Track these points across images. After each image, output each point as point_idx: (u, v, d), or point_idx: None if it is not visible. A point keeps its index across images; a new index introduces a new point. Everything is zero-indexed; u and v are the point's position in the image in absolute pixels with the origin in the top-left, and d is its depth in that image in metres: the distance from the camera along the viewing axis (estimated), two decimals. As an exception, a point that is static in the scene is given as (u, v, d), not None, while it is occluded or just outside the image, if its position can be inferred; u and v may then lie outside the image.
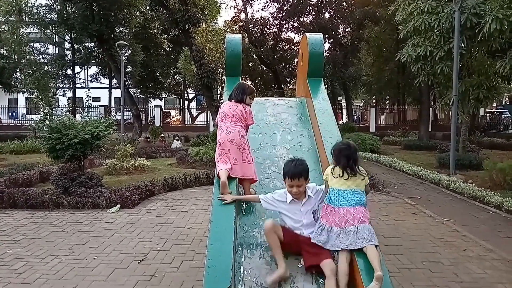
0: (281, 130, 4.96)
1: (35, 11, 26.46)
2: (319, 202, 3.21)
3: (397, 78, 26.83)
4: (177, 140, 19.06)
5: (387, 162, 12.97)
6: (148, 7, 25.04)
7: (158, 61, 30.55)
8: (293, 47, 30.60)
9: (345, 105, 32.54)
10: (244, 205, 3.82)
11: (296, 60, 26.88)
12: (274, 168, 4.34)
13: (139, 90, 33.30)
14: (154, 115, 31.95)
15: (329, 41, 28.37)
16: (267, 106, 5.44)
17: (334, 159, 3.20)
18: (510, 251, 5.25)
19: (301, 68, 6.18)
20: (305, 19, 28.94)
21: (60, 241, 5.73)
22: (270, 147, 4.65)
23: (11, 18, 23.85)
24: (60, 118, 8.64)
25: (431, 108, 22.90)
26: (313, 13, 28.17)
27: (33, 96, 23.88)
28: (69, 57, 31.12)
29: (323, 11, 28.09)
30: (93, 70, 33.38)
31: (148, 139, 19.54)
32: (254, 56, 30.10)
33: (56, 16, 25.33)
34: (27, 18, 26.11)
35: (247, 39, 28.29)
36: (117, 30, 24.45)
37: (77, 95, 31.16)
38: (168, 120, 34.80)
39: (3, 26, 24.56)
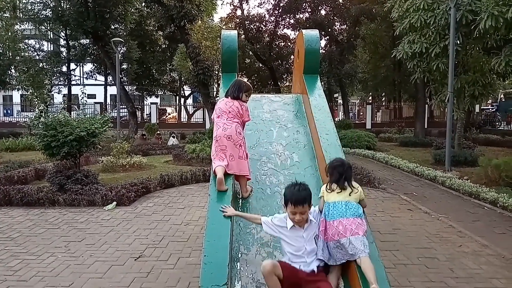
0: (277, 126, 4.96)
1: (29, 7, 26.28)
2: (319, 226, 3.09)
3: (393, 75, 26.86)
4: (173, 137, 19.02)
5: (383, 158, 13.00)
6: (143, 4, 24.90)
7: (154, 58, 30.45)
8: (289, 44, 30.55)
9: (341, 102, 32.55)
10: (240, 202, 3.82)
11: (292, 57, 26.85)
12: (271, 165, 4.35)
13: (134, 87, 33.18)
14: (150, 112, 31.83)
15: (325, 38, 28.34)
16: (263, 103, 5.44)
17: (328, 174, 3.25)
18: (505, 247, 5.29)
19: (297, 64, 6.18)
20: (301, 16, 28.90)
21: (56, 239, 5.71)
22: (266, 144, 4.65)
23: (5, 15, 23.65)
24: (55, 115, 8.60)
25: (426, 105, 22.99)
26: (309, 10, 28.13)
27: (28, 93, 23.72)
28: (64, 54, 30.94)
29: (319, 8, 28.05)
30: (88, 67, 33.21)
31: (144, 136, 19.48)
32: (250, 53, 30.01)
33: (50, 12, 25.16)
34: (21, 15, 25.93)
35: (243, 36, 28.21)
36: (113, 27, 24.33)
37: (72, 92, 31.01)
38: (164, 117, 34.68)
39: (-3, 23, 24.37)
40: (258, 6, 42.51)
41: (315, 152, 4.47)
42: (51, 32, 30.58)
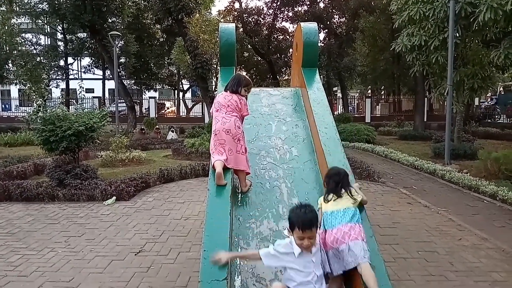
0: (276, 120, 4.95)
1: (26, 1, 26.07)
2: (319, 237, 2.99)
3: (392, 68, 26.79)
4: (172, 131, 18.98)
5: (383, 152, 13.00)
6: (141, -3, 24.75)
7: (151, 51, 30.31)
8: (288, 37, 30.44)
9: (341, 96, 32.51)
10: (239, 196, 3.82)
11: (291, 50, 26.74)
12: (269, 159, 4.34)
13: (133, 81, 33.06)
14: (149, 106, 31.77)
15: (324, 31, 28.24)
16: (262, 97, 5.42)
17: (325, 184, 3.25)
18: (505, 240, 5.30)
19: (295, 58, 6.15)
20: (299, 8, 28.77)
21: (56, 234, 5.71)
22: (265, 138, 4.64)
23: (1, 9, 23.46)
24: (53, 109, 8.56)
25: (426, 98, 22.94)
26: (308, 2, 28.00)
27: (26, 87, 23.60)
28: (61, 48, 30.78)
29: (318, 0, 27.93)
30: (86, 61, 33.06)
31: (143, 131, 19.44)
32: (249, 46, 29.92)
33: (47, 6, 24.95)
34: (18, 8, 25.71)
35: (241, 29, 28.09)
36: (110, 20, 24.15)
37: (71, 87, 30.90)
38: (163, 111, 34.62)
39: (-7, 17, 24.18)
40: (256, -1, 42.22)
41: (314, 146, 4.46)
42: (48, 26, 30.38)
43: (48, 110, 8.59)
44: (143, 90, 35.78)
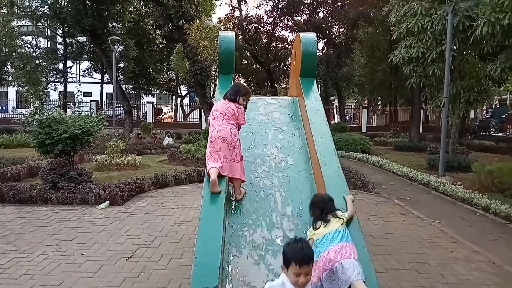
0: (272, 129, 4.95)
1: (27, 4, 26.11)
2: None
3: (390, 79, 26.95)
4: (169, 136, 18.98)
5: (378, 162, 13.04)
6: (141, 2, 24.84)
7: (151, 57, 30.36)
8: (287, 46, 30.58)
9: (338, 105, 32.62)
10: (233, 204, 3.81)
11: (289, 59, 26.87)
12: (265, 167, 4.34)
13: (131, 86, 33.06)
14: (146, 111, 31.74)
15: (323, 41, 28.40)
16: (259, 105, 5.44)
17: (311, 212, 3.24)
18: (497, 253, 5.31)
19: (294, 67, 6.19)
20: (299, 18, 28.93)
21: (48, 237, 5.68)
22: (261, 146, 4.64)
23: (2, 11, 23.49)
24: (50, 112, 8.55)
25: (422, 110, 23.04)
26: (307, 12, 28.17)
27: (24, 90, 23.56)
28: (61, 51, 30.76)
29: (317, 10, 28.11)
30: (85, 64, 33.06)
31: (140, 135, 19.43)
32: (248, 54, 30.03)
33: (48, 9, 25.01)
34: (18, 11, 25.76)
35: (241, 37, 28.21)
36: (110, 25, 24.22)
37: (68, 90, 30.82)
38: (160, 116, 34.62)
39: (-6, 19, 24.20)
40: (256, 8, 42.50)
41: (309, 156, 4.47)
42: (48, 29, 30.42)
43: (45, 113, 8.58)
44: (141, 95, 35.79)
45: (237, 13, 30.88)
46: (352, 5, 25.20)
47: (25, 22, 27.57)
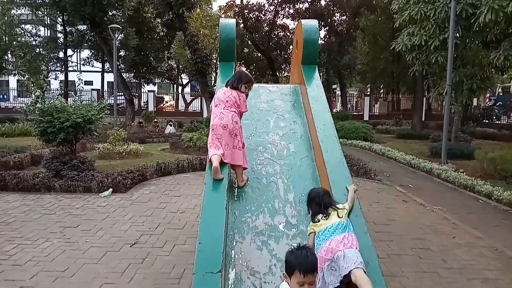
0: (274, 116, 4.95)
1: (26, -9, 25.92)
2: None
3: (392, 67, 26.80)
4: (171, 125, 18.97)
5: (380, 150, 13.03)
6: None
7: (151, 45, 30.20)
8: (288, 34, 30.37)
9: (340, 94, 32.50)
10: (236, 191, 3.83)
11: (291, 47, 26.71)
12: (267, 154, 4.34)
13: (132, 75, 32.97)
14: (148, 100, 31.69)
15: (325, 29, 28.18)
16: (260, 93, 5.42)
17: (309, 208, 3.22)
18: (499, 239, 5.34)
19: (295, 55, 6.15)
20: (300, 5, 28.66)
21: (52, 224, 5.72)
22: (263, 134, 4.64)
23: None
24: (51, 101, 8.55)
25: (424, 98, 22.95)
26: (309, 0, 27.93)
27: (25, 78, 23.52)
28: (61, 39, 30.62)
29: (319, -3, 27.86)
30: (85, 53, 32.93)
31: (141, 124, 19.43)
32: (249, 42, 29.85)
33: (47, -3, 24.84)
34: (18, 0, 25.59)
35: (242, 25, 28.00)
36: (110, 13, 24.01)
37: (69, 79, 30.77)
38: (162, 105, 34.58)
39: (-6, 7, 24.03)
40: (257, -5, 42.04)
41: (311, 143, 4.47)
42: (48, 18, 30.23)
43: (46, 102, 8.57)
44: (142, 83, 35.70)
45: (238, 0, 30.62)
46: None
47: (24, 11, 27.39)
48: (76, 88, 12.13)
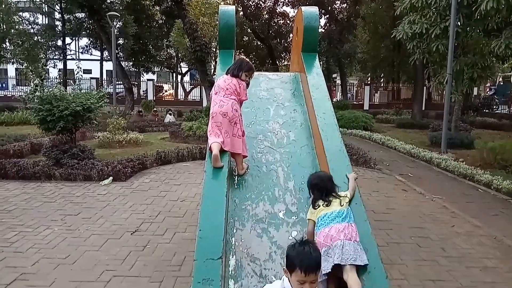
0: (274, 105, 4.93)
1: (23, -21, 25.68)
2: None
3: (393, 56, 26.67)
4: (170, 114, 18.94)
5: (380, 139, 13.03)
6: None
7: (150, 33, 29.97)
8: (288, 22, 30.16)
9: (340, 83, 32.39)
10: (236, 179, 3.83)
11: (291, 35, 26.52)
12: (267, 143, 4.34)
13: (131, 63, 32.80)
14: (147, 89, 31.57)
15: (325, 17, 27.97)
16: (260, 81, 5.39)
17: (310, 192, 3.16)
18: (498, 228, 5.37)
19: (295, 42, 6.11)
20: (301, -7, 28.41)
21: (52, 212, 5.74)
22: (263, 122, 4.63)
23: (-1, -14, 23.10)
24: (50, 89, 8.51)
25: (425, 87, 22.87)
26: (310, -13, 27.67)
27: (23, 67, 23.39)
28: (59, 27, 30.40)
29: (320, -15, 27.57)
30: (84, 41, 32.71)
31: (141, 113, 19.40)
32: (249, 30, 29.65)
33: (45, -16, 24.62)
34: (15, -14, 25.35)
35: (241, 13, 27.78)
36: (108, 1, 23.84)
37: (68, 67, 30.62)
38: (161, 94, 34.46)
39: (-10, -5, 23.79)
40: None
41: (311, 131, 4.46)
42: (46, 5, 29.96)
43: (46, 90, 8.54)
44: (141, 72, 35.51)
45: (237, -12, 30.31)
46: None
47: (22, -2, 27.17)
48: (75, 77, 12.07)
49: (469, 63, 11.61)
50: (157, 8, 28.64)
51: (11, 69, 36.24)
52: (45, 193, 6.68)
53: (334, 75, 36.68)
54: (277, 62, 31.92)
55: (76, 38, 32.54)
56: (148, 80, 32.76)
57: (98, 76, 32.01)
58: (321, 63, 25.49)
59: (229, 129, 3.69)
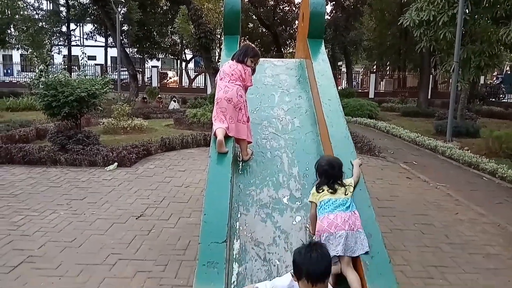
0: (279, 91, 4.91)
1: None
2: None
3: (399, 43, 26.41)
4: (175, 101, 18.93)
5: (385, 128, 12.98)
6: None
7: (155, 19, 29.79)
8: (294, 8, 29.84)
9: (345, 71, 32.16)
10: (240, 164, 3.84)
11: (296, 22, 26.29)
12: (272, 129, 4.33)
13: (135, 50, 32.69)
14: (151, 75, 31.50)
15: (331, 4, 27.63)
16: (265, 67, 5.37)
17: (317, 175, 3.12)
18: (502, 216, 5.37)
19: (301, 28, 6.05)
20: (307, -21, 28.06)
21: (58, 197, 5.79)
22: (268, 108, 4.62)
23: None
24: (55, 75, 8.52)
25: (431, 75, 22.68)
26: (316, -27, 27.30)
27: (28, 53, 23.39)
28: (63, 13, 30.29)
29: (326, -29, 27.23)
30: (88, 27, 32.61)
31: (145, 100, 19.40)
32: (254, 17, 29.39)
33: (49, -31, 24.46)
34: (19, -29, 25.16)
35: (247, -1, 27.52)
36: (113, -14, 23.64)
37: (73, 53, 30.58)
38: (165, 81, 34.40)
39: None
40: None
41: (316, 117, 4.45)
42: (50, -10, 29.86)
43: (50, 76, 8.54)
44: (145, 59, 35.40)
45: (243, -26, 29.96)
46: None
47: (26, -17, 27.04)
48: (80, 63, 12.06)
49: (476, 51, 11.48)
50: (162, -6, 28.46)
51: (16, 55, 36.22)
52: (50, 178, 6.73)
53: (339, 63, 36.37)
54: (282, 49, 31.68)
55: (81, 24, 32.46)
56: (152, 67, 32.67)
57: (102, 62, 31.96)
58: (327, 50, 25.21)
59: (234, 115, 3.68)
